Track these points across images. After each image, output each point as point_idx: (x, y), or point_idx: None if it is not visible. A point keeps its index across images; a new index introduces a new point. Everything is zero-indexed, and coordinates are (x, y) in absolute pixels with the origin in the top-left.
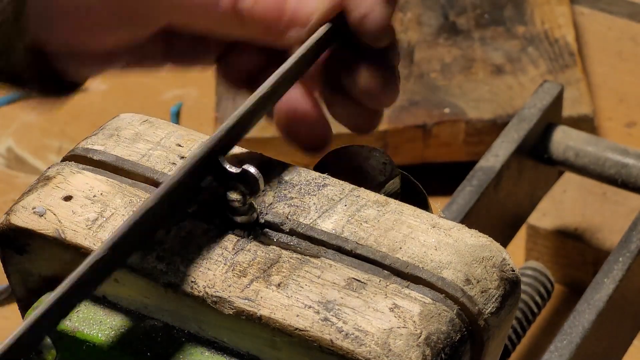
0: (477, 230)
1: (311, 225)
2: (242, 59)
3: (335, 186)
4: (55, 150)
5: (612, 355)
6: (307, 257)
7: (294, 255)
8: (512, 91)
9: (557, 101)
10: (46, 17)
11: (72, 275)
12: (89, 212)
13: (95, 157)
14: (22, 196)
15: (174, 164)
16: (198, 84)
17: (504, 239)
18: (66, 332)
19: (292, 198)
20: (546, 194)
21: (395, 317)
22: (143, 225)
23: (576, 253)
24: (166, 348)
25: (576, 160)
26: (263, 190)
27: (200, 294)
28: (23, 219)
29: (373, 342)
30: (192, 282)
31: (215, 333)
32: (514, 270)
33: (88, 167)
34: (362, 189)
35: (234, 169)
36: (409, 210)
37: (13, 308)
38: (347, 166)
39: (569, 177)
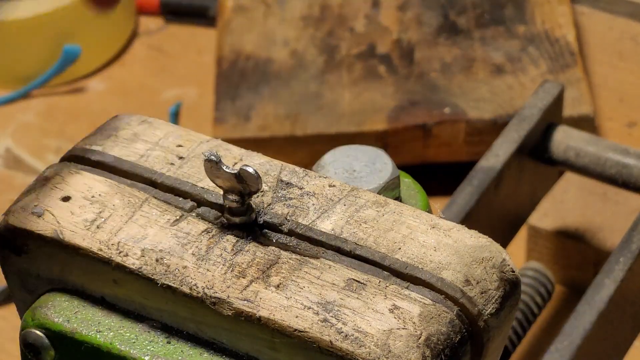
0: (476, 231)
1: (310, 225)
2: None
3: (335, 186)
4: (53, 150)
5: (613, 356)
6: (306, 258)
7: (293, 256)
8: (513, 91)
9: (558, 101)
10: None
11: None
12: (87, 212)
13: (93, 158)
14: (21, 196)
15: (172, 164)
16: (197, 84)
17: (505, 240)
18: (65, 332)
19: (291, 198)
20: (547, 194)
21: (395, 318)
22: None
23: (577, 253)
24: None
25: (577, 160)
26: (262, 191)
27: (199, 295)
28: (21, 219)
29: (373, 343)
30: (191, 283)
31: (214, 334)
32: (513, 271)
33: (86, 167)
34: (362, 189)
35: (231, 169)
36: (408, 211)
37: (11, 309)
38: (347, 166)
39: (569, 177)
